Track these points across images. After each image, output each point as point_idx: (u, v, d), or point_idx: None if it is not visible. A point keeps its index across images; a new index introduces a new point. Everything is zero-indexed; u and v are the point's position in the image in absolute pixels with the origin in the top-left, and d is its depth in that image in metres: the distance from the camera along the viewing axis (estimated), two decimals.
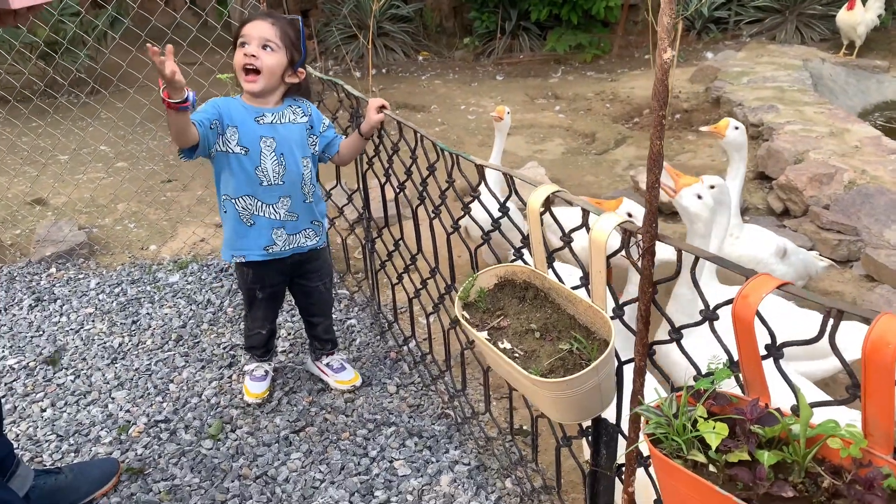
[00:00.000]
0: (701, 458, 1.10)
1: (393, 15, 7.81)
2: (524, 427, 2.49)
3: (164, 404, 2.67)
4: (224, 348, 3.00)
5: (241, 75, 2.16)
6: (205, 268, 3.67)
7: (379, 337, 3.04)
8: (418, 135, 2.11)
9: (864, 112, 6.06)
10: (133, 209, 4.43)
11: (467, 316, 1.61)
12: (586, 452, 1.86)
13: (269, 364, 2.72)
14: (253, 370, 2.68)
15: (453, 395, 2.54)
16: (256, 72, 2.13)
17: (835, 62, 6.39)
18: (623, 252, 1.40)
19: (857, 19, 6.27)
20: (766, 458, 1.04)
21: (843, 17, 6.36)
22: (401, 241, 2.55)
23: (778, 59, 6.41)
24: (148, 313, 3.28)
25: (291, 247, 2.36)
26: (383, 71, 7.33)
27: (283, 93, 2.25)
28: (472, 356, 2.46)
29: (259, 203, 2.26)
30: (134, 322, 3.21)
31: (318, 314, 2.68)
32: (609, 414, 1.57)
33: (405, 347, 2.86)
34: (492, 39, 7.79)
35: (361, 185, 2.76)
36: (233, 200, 2.26)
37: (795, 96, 5.36)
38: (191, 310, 3.29)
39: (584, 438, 1.72)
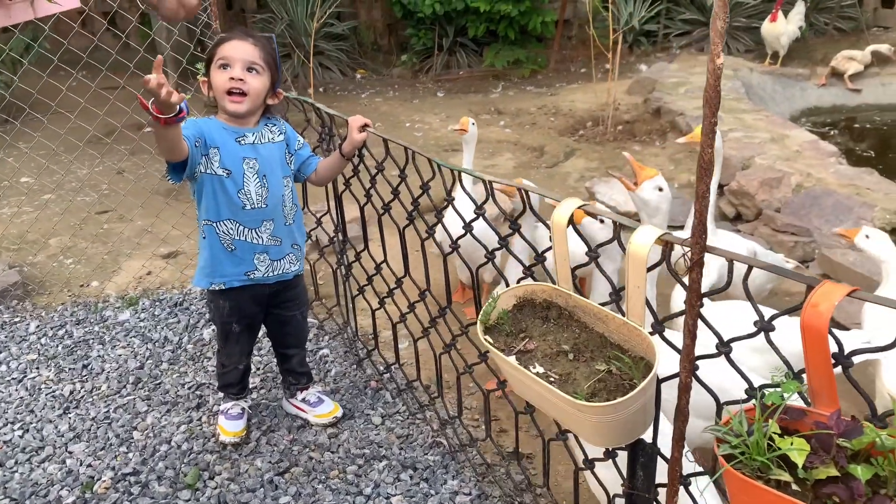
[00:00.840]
0: (786, 478, 1.04)
1: (327, 33, 7.68)
2: (520, 451, 2.40)
3: (130, 455, 2.45)
4: (189, 388, 2.79)
5: (223, 98, 2.05)
6: (157, 303, 3.43)
7: (356, 366, 2.90)
8: (409, 152, 2.01)
9: (793, 118, 6.33)
10: (68, 244, 4.13)
11: (491, 341, 1.52)
12: (605, 473, 1.78)
13: (245, 401, 2.54)
14: (228, 409, 2.50)
15: (445, 423, 2.43)
16: (242, 94, 2.03)
17: (762, 71, 6.67)
18: (665, 265, 1.35)
19: (781, 30, 6.57)
20: (861, 472, 0.99)
21: (767, 28, 6.65)
22: (384, 264, 2.43)
23: None
24: (99, 356, 3.02)
25: (276, 273, 2.24)
26: (321, 90, 7.19)
27: (262, 113, 2.14)
28: (465, 379, 2.36)
29: (241, 227, 2.13)
30: (84, 366, 2.96)
31: (294, 345, 2.53)
32: (645, 433, 1.50)
33: (387, 375, 2.73)
34: (429, 56, 7.77)
35: (337, 207, 2.63)
36: (213, 225, 2.12)
37: (732, 104, 5.54)
38: (147, 349, 3.06)
39: (611, 460, 1.65)
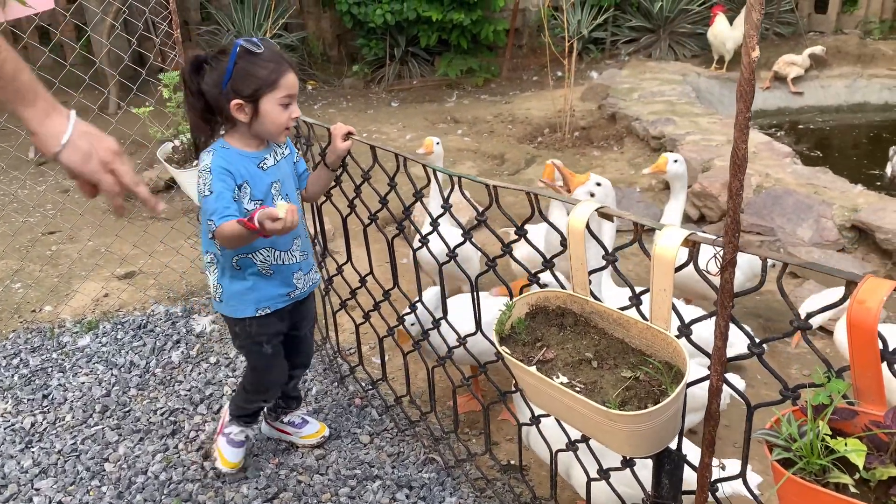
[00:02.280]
0: (846, 480, 1.02)
1: (276, 44, 7.52)
2: (512, 462, 2.35)
3: (104, 488, 2.29)
4: (162, 414, 2.64)
5: (279, 132, 1.94)
6: (118, 326, 3.25)
7: (337, 384, 2.79)
8: (401, 159, 1.95)
9: None
10: (13, 267, 3.89)
11: (508, 351, 1.46)
12: (618, 481, 1.75)
13: (252, 430, 2.41)
14: (233, 434, 2.33)
15: (439, 438, 2.36)
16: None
17: (708, 76, 6.84)
18: (693, 265, 1.32)
19: (727, 35, 6.75)
20: None
21: (713, 34, 6.82)
22: (369, 276, 2.35)
23: (659, 74, 6.75)
24: (60, 384, 2.84)
25: (308, 286, 2.18)
26: None
27: None
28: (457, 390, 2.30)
29: (277, 252, 2.04)
30: (45, 396, 2.77)
31: (303, 365, 2.42)
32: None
33: (372, 391, 2.64)
34: (381, 66, 7.69)
35: (315, 218, 2.54)
36: (249, 256, 2.00)
37: (686, 108, 5.65)
38: (112, 375, 2.89)
39: (629, 469, 1.61)
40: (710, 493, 1.42)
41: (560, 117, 5.90)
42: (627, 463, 1.61)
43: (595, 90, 6.62)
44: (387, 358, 2.70)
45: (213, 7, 7.74)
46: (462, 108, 6.90)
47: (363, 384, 2.68)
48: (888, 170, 5.03)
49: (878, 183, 5.05)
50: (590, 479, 1.76)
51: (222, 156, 1.91)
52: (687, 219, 4.38)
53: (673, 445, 1.48)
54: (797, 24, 7.68)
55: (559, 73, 7.02)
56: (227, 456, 2.32)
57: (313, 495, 2.24)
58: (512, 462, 2.36)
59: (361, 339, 2.61)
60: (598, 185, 2.40)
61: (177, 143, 2.80)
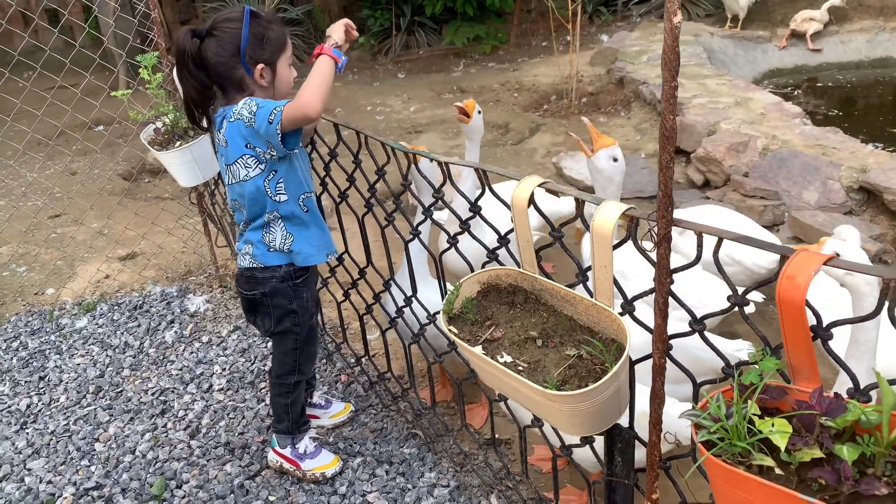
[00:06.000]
0: (769, 462, 0.98)
1: (281, 19, 7.46)
2: (497, 436, 2.34)
3: (93, 468, 2.34)
4: (152, 394, 2.68)
5: (289, 89, 1.94)
6: (115, 307, 3.30)
7: (325, 360, 2.81)
8: (362, 136, 1.92)
9: (755, 80, 6.30)
10: (20, 251, 3.96)
11: (455, 331, 1.44)
12: (581, 457, 1.73)
13: (312, 428, 2.34)
14: (312, 449, 2.23)
15: (419, 414, 2.36)
16: None
17: (722, 35, 6.62)
18: (631, 240, 1.28)
19: None
20: (847, 452, 0.93)
21: None
22: (346, 254, 2.34)
23: None
24: (57, 366, 2.90)
25: None
26: None
27: None
28: (438, 369, 2.29)
29: (313, 196, 2.02)
30: (41, 378, 2.83)
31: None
32: (621, 418, 1.44)
33: (357, 368, 2.65)
34: (387, 37, 7.60)
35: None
36: (310, 195, 1.98)
37: (695, 70, 5.49)
38: (107, 356, 2.94)
39: (588, 446, 1.59)
40: (662, 471, 1.40)
41: (567, 84, 5.78)
42: (587, 440, 1.58)
43: (604, 54, 6.46)
44: (375, 335, 2.71)
45: None
46: (469, 77, 6.80)
47: (349, 360, 2.69)
48: None
49: None
50: (555, 456, 1.75)
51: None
52: (691, 184, 4.28)
53: (626, 423, 1.45)
54: None
55: (568, 38, 6.87)
56: (322, 464, 2.22)
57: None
58: (497, 436, 2.35)
59: (352, 315, 2.61)
60: (615, 159, 2.20)
61: (158, 125, 2.79)
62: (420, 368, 2.64)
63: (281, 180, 1.88)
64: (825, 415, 0.97)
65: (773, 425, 1.00)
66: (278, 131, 1.75)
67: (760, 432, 0.99)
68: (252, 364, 2.81)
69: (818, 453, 0.96)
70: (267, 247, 1.94)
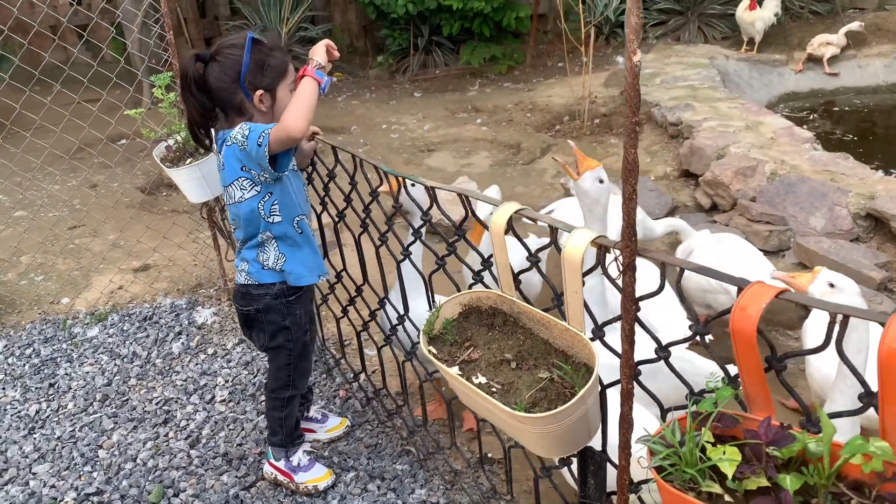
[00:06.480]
0: (717, 489, 1.01)
1: (302, 37, 7.62)
2: (489, 455, 2.38)
3: (95, 474, 2.41)
4: (157, 404, 2.76)
5: None
6: (125, 318, 3.39)
7: (325, 375, 2.86)
8: (357, 159, 1.98)
9: (770, 104, 6.30)
10: (39, 261, 4.08)
11: (434, 351, 1.49)
12: (567, 478, 1.76)
13: (306, 442, 2.39)
14: (305, 462, 2.28)
15: (413, 431, 2.40)
16: None
17: (738, 58, 6.63)
18: (600, 269, 1.32)
19: (755, 16, 6.53)
20: (790, 482, 0.96)
21: (741, 14, 6.61)
22: (343, 272, 2.40)
23: (685, 58, 6.59)
24: (66, 374, 2.98)
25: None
26: None
27: None
28: (431, 386, 2.33)
29: (307, 219, 2.09)
30: (51, 385, 2.92)
31: (314, 351, 2.48)
32: (594, 441, 1.47)
33: (355, 384, 2.70)
34: (406, 56, 7.71)
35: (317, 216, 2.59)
36: (304, 218, 2.04)
37: (708, 93, 5.51)
38: (115, 365, 3.02)
39: (566, 468, 1.62)
40: (633, 495, 1.43)
41: (580, 105, 5.83)
42: (564, 462, 1.62)
43: (618, 76, 6.50)
44: (374, 351, 2.75)
45: (241, 2, 7.88)
46: (483, 96, 6.88)
47: (348, 376, 2.74)
48: None
49: None
50: (536, 477, 1.78)
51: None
52: (699, 208, 4.29)
53: (599, 446, 1.48)
54: (834, 1, 7.37)
55: (584, 59, 6.93)
56: (315, 477, 2.26)
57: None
58: (489, 454, 2.39)
59: (352, 332, 2.65)
60: (601, 181, 2.22)
61: (171, 142, 2.89)
62: (417, 386, 2.68)
63: (275, 203, 1.94)
64: (771, 444, 1.00)
65: (724, 453, 1.03)
66: (266, 154, 1.82)
67: (710, 459, 1.02)
68: (254, 377, 2.87)
69: (764, 482, 0.99)
70: (261, 265, 2.01)
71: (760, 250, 3.67)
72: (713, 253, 2.92)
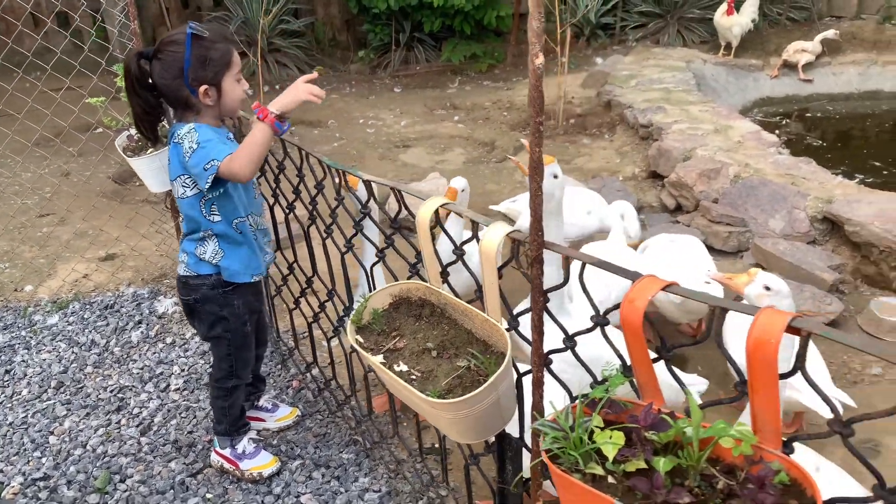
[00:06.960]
0: (599, 471, 1.06)
1: (283, 30, 7.62)
2: (436, 445, 2.42)
3: (43, 459, 2.43)
4: (111, 391, 2.78)
5: (238, 106, 2.02)
6: (87, 306, 3.40)
7: (280, 365, 2.89)
8: (303, 152, 2.01)
9: (745, 109, 6.38)
10: (4, 248, 4.08)
11: (361, 340, 1.53)
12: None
13: (252, 430, 2.41)
14: (251, 450, 2.32)
15: (360, 421, 2.44)
16: None
17: (715, 62, 6.70)
18: (514, 262, 1.36)
19: (733, 21, 6.61)
20: (662, 464, 1.01)
21: (719, 19, 6.69)
22: (295, 264, 2.43)
23: (663, 61, 6.65)
24: (23, 360, 3.00)
25: (271, 256, 2.27)
26: (276, 87, 7.14)
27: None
28: (378, 378, 2.37)
29: (255, 217, 2.13)
30: (7, 371, 2.93)
31: (263, 343, 2.50)
32: (512, 428, 1.52)
33: (308, 374, 2.73)
34: (387, 52, 7.73)
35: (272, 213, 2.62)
36: (246, 219, 2.07)
37: (681, 96, 5.57)
38: (73, 353, 3.04)
39: (492, 455, 1.66)
40: (546, 480, 1.47)
41: (556, 104, 5.88)
42: (490, 449, 1.66)
43: (595, 77, 6.56)
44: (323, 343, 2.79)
45: None
46: (463, 94, 6.91)
47: (300, 367, 2.78)
48: None
49: (886, 173, 4.94)
50: (466, 464, 1.82)
51: (206, 130, 1.94)
52: (663, 208, 4.35)
53: (517, 433, 1.53)
54: (811, 9, 7.46)
55: (563, 60, 6.98)
56: (260, 464, 2.30)
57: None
58: (436, 445, 2.43)
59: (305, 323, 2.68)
60: (555, 176, 2.29)
61: (132, 131, 2.90)
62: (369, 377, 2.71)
63: (213, 205, 2.00)
64: (651, 429, 1.05)
65: (610, 437, 1.08)
66: (209, 180, 1.88)
67: (596, 443, 1.07)
68: (210, 366, 2.89)
69: (642, 464, 1.04)
70: (198, 258, 2.05)
71: (719, 251, 3.77)
72: (667, 253, 2.98)
